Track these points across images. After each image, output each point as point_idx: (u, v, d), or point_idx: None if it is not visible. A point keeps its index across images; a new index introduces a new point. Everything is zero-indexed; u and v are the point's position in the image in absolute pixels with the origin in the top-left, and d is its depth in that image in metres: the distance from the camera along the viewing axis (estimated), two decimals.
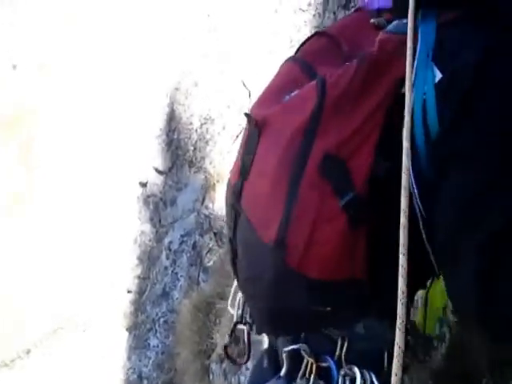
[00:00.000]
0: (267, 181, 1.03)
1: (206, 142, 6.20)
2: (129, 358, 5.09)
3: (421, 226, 0.95)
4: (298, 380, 1.10)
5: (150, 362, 4.76)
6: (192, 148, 6.28)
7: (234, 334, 1.38)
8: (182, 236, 5.19)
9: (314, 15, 3.73)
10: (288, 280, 1.02)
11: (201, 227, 5.22)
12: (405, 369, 1.00)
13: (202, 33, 5.60)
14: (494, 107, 0.87)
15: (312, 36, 1.20)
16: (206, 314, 3.79)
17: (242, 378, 3.04)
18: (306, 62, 1.08)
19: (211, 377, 3.47)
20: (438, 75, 0.92)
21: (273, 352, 1.22)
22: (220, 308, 3.56)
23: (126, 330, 5.31)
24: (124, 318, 5.41)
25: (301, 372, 1.09)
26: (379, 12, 1.06)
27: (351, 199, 0.93)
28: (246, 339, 1.34)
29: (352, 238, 0.96)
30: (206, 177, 5.78)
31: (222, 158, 5.68)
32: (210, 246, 5.07)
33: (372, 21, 1.06)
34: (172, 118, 6.40)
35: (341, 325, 1.07)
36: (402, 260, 0.71)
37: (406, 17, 0.96)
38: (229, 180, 1.19)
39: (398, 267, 0.91)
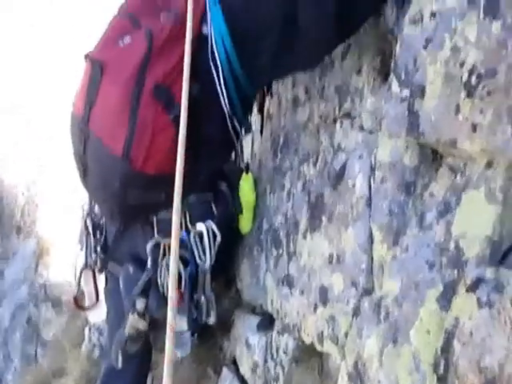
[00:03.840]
0: (112, 108, 1.36)
1: (36, 205, 5.68)
2: None
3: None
4: (163, 261, 1.43)
5: None
6: (19, 213, 5.72)
7: (80, 282, 1.64)
8: (13, 311, 4.57)
9: None
10: (133, 181, 1.38)
11: (35, 298, 4.66)
12: None
13: None
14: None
15: None
16: None
17: None
18: (132, 15, 1.41)
19: None
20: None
21: (136, 261, 1.52)
22: None
23: None
24: None
25: (160, 254, 1.43)
26: None
27: (177, 114, 1.29)
28: (92, 281, 1.66)
29: (177, 142, 1.30)
30: (37, 242, 5.25)
31: (55, 219, 5.21)
32: (48, 316, 4.55)
33: None
34: None
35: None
36: None
37: None
38: (73, 112, 1.51)
39: (210, 159, 1.44)
